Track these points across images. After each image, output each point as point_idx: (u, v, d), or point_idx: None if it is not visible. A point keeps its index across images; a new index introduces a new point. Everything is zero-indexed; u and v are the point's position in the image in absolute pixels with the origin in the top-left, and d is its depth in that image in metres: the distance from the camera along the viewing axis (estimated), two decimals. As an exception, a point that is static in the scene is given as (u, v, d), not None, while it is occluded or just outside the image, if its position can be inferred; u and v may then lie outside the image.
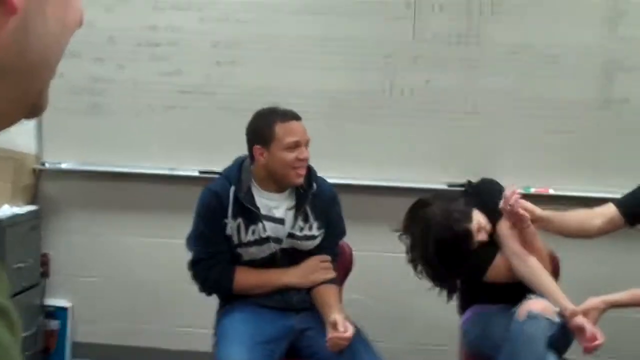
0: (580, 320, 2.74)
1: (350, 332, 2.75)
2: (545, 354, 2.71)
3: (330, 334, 2.77)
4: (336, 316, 2.79)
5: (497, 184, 3.04)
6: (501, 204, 2.86)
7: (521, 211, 2.83)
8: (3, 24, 0.63)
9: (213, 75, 3.97)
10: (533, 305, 2.78)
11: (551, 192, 3.80)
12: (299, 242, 2.98)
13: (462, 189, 3.14)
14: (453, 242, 2.90)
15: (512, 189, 2.87)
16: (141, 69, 4.00)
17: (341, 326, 2.75)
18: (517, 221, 2.87)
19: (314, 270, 2.99)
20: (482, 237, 2.93)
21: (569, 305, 2.78)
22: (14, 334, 0.65)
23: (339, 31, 3.89)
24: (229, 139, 3.20)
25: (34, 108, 0.73)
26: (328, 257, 3.03)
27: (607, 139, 3.80)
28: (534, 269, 2.88)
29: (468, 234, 2.91)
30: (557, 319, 2.76)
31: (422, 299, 3.89)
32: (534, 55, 3.80)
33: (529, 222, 2.86)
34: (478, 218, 2.94)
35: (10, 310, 0.65)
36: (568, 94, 3.79)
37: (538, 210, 2.89)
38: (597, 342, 2.71)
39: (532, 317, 2.73)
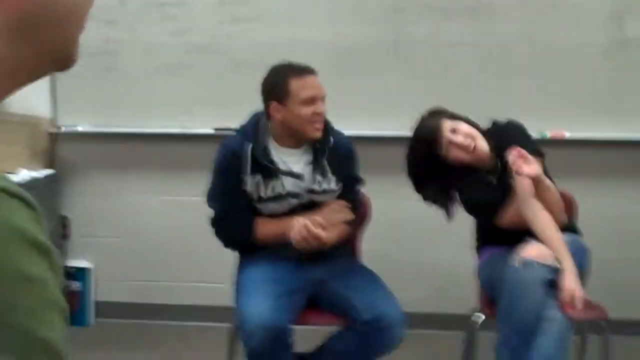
0: (570, 285, 2.68)
1: (324, 235, 2.82)
2: (543, 300, 2.65)
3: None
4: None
5: (520, 127, 3.00)
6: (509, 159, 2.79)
7: (525, 176, 2.76)
8: None
9: (222, 33, 3.97)
10: (528, 251, 2.74)
11: (567, 136, 3.81)
12: (318, 196, 2.98)
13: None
14: (421, 132, 2.98)
15: (514, 153, 2.76)
16: (152, 29, 4.01)
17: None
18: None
19: (334, 213, 2.99)
20: (457, 139, 2.92)
21: (567, 257, 2.73)
22: (55, 274, 0.68)
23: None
24: (241, 95, 3.21)
25: (64, 60, 0.74)
26: (346, 203, 3.04)
27: (620, 81, 3.79)
28: (539, 217, 2.80)
29: (437, 127, 2.94)
30: (554, 263, 2.70)
31: (441, 246, 3.96)
32: (544, 1, 3.79)
33: (540, 177, 2.79)
34: (460, 124, 2.94)
35: (52, 251, 0.68)
36: (579, 38, 3.79)
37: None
38: (574, 309, 2.67)
39: (526, 263, 2.70)
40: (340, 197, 3.04)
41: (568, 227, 2.98)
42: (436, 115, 3.03)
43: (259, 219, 2.97)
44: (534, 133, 3.11)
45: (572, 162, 3.74)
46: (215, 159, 2.99)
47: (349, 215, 3.02)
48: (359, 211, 3.16)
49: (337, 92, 3.31)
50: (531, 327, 2.67)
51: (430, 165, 3.01)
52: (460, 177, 3.01)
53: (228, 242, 3.04)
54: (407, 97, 3.84)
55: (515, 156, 2.76)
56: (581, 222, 3.11)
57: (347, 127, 3.22)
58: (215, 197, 3.00)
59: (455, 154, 2.96)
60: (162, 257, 4.21)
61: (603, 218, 3.74)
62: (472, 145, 2.93)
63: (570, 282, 2.69)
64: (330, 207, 3.00)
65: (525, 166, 2.75)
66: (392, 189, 3.66)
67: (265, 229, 2.96)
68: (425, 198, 3.08)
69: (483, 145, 2.95)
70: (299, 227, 2.83)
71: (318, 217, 2.87)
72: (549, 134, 3.74)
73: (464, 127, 2.96)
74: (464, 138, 2.93)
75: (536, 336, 2.66)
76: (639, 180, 3.01)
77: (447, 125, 2.96)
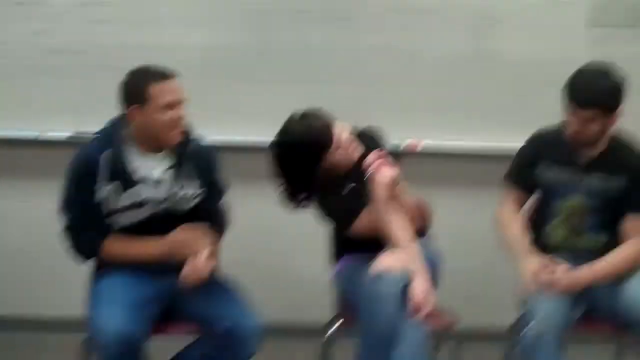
0: (420, 292, 2.72)
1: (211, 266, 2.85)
2: (398, 311, 2.68)
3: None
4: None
5: (377, 134, 3.04)
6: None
7: (381, 179, 2.83)
8: None
9: (83, 35, 3.88)
10: (381, 262, 2.76)
11: (423, 144, 3.89)
12: (178, 203, 2.95)
13: None
14: (311, 133, 2.90)
15: (372, 158, 2.84)
16: (8, 29, 3.88)
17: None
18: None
19: (201, 239, 2.93)
20: (350, 142, 2.91)
21: (419, 263, 2.77)
22: None
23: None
24: (102, 100, 3.14)
25: None
26: (200, 226, 2.98)
27: (480, 92, 3.91)
28: (393, 221, 2.83)
29: (329, 129, 2.90)
30: (407, 271, 2.73)
31: (301, 255, 4.00)
32: (407, 10, 3.88)
33: (397, 182, 2.85)
34: (345, 127, 2.94)
35: None
36: (440, 48, 3.90)
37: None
38: (420, 314, 2.72)
39: (380, 275, 2.71)
40: (202, 204, 3.01)
41: (422, 233, 3.04)
42: (317, 118, 2.97)
43: (110, 236, 2.91)
44: (392, 140, 3.17)
45: (427, 171, 3.79)
46: (70, 167, 2.92)
47: (213, 237, 2.99)
48: (221, 219, 3.14)
49: (203, 96, 3.30)
50: (389, 339, 2.70)
51: (307, 169, 2.95)
52: (323, 182, 2.98)
53: (77, 253, 2.98)
54: (273, 104, 3.82)
55: (373, 160, 2.80)
56: (434, 230, 3.19)
57: (211, 132, 3.21)
58: (67, 205, 2.94)
59: (340, 158, 2.93)
60: (15, 267, 4.07)
61: (453, 226, 3.83)
62: (358, 149, 2.94)
63: (420, 289, 2.73)
64: (195, 234, 2.94)
65: (381, 169, 2.79)
66: (252, 196, 3.66)
67: (113, 249, 2.91)
68: (291, 202, 3.05)
69: (360, 150, 2.97)
70: (189, 271, 2.83)
71: (199, 254, 2.85)
72: (406, 142, 3.81)
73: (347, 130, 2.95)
74: (352, 142, 2.94)
75: (395, 347, 2.70)
76: (490, 190, 3.16)
77: (337, 127, 2.93)
